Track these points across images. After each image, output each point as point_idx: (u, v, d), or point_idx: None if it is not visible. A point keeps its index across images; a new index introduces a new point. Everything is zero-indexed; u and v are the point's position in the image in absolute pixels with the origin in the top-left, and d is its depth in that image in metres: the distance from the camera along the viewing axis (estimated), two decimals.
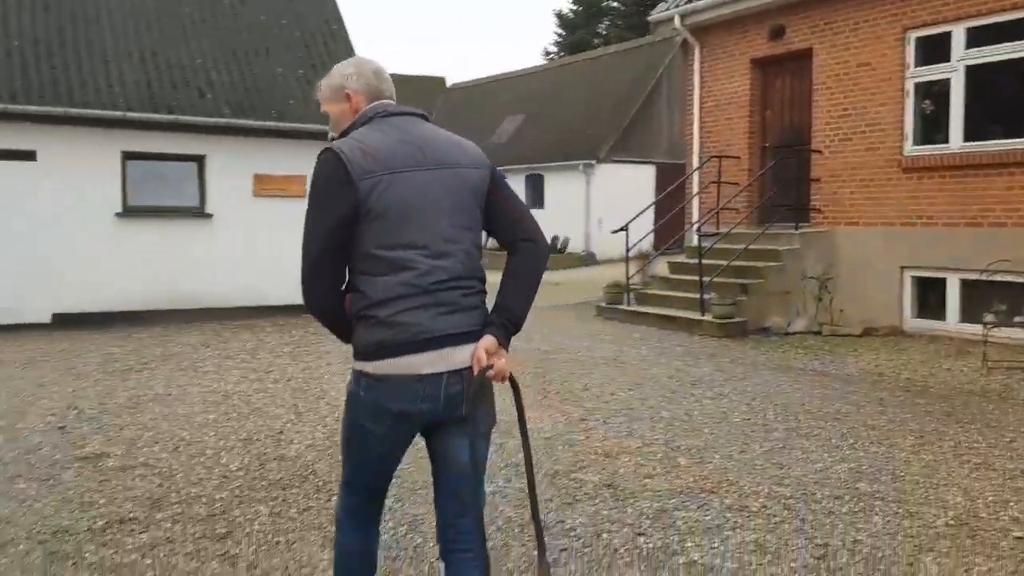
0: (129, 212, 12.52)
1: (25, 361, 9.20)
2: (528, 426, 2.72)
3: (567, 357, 9.28)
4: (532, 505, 2.68)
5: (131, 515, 4.57)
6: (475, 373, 2.55)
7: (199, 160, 13.03)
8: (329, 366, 8.82)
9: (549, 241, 22.07)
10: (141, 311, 12.26)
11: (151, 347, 10.14)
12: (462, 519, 2.70)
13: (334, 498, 4.02)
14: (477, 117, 32.08)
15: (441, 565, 2.76)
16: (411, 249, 2.54)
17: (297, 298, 2.86)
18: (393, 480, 2.85)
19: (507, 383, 2.63)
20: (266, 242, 12.79)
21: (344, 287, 2.65)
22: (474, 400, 2.57)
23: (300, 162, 12.23)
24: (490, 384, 2.64)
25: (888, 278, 10.98)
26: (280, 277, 12.05)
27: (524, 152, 27.41)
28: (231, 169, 13.05)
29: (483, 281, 2.72)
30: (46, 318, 11.77)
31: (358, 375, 2.62)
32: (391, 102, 2.77)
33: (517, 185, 27.32)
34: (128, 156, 12.53)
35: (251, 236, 13.00)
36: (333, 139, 2.72)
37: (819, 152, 11.82)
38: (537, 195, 26.74)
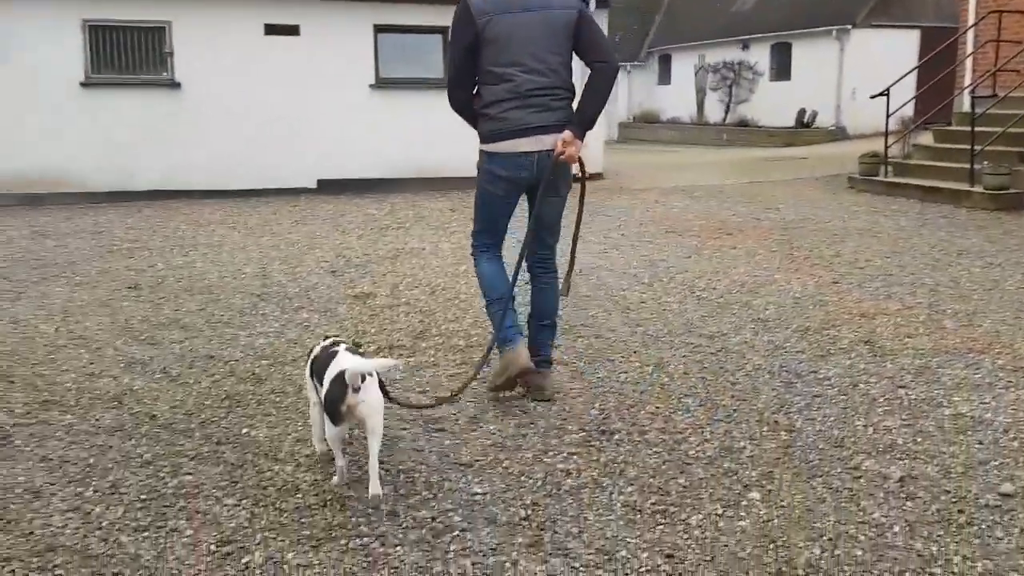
0: (381, 84, 13.12)
1: (297, 219, 10.08)
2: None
3: (815, 226, 8.85)
4: (572, 249, 4.24)
5: (399, 342, 4.99)
6: (555, 153, 3.73)
7: (443, 32, 13.32)
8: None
9: (795, 115, 20.63)
10: (393, 178, 12.98)
11: (404, 210, 10.76)
12: (546, 251, 4.08)
13: (579, 340, 4.25)
14: None
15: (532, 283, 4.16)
16: (511, 66, 3.72)
17: None
18: None
19: (577, 165, 3.87)
20: None
21: (474, 92, 3.86)
22: (554, 172, 3.78)
23: None
24: (567, 164, 3.81)
25: None
26: None
27: (769, 19, 25.64)
28: None
29: (570, 91, 3.81)
30: (312, 183, 12.77)
31: (482, 153, 3.91)
32: None
33: (761, 56, 25.80)
34: (379, 29, 13.06)
35: None
36: None
37: None
38: (782, 66, 25.05)
